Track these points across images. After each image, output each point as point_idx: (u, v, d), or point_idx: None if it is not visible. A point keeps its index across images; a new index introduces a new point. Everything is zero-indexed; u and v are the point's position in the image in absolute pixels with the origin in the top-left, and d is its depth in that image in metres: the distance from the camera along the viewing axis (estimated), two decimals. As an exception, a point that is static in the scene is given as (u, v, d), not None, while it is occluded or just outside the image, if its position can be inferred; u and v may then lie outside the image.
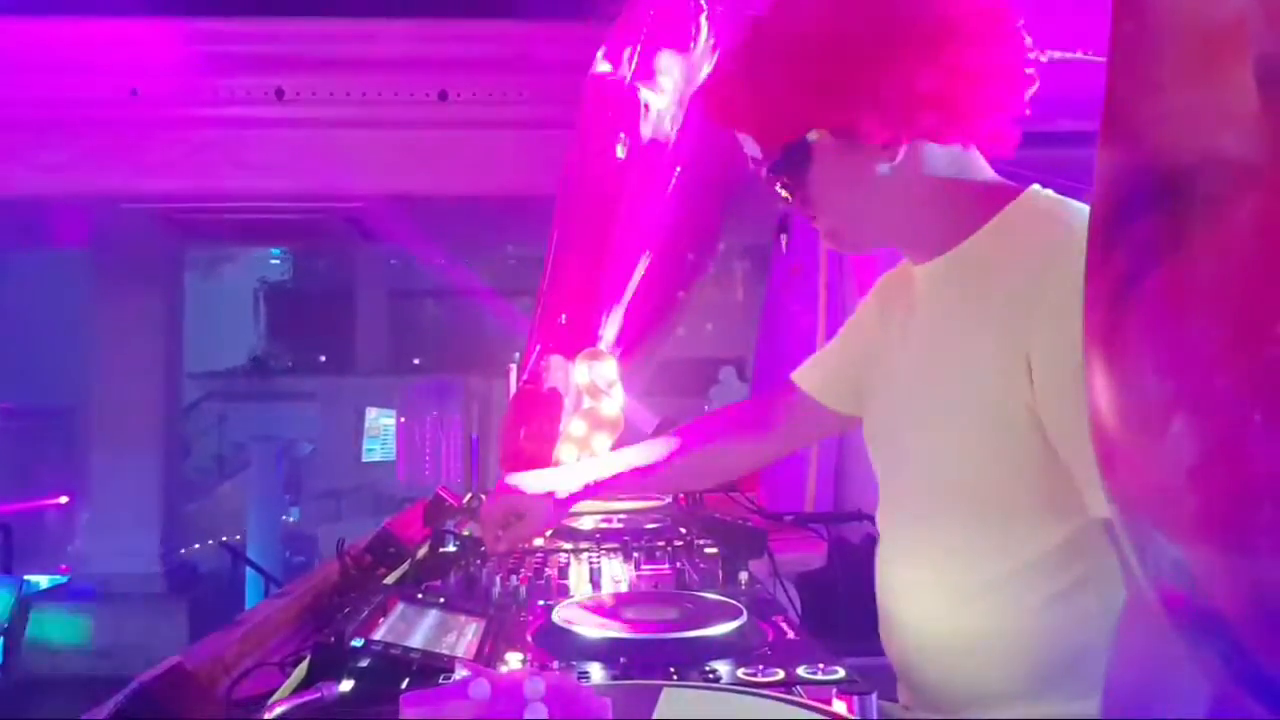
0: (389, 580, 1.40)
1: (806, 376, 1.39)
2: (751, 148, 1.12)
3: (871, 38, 1.01)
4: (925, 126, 1.03)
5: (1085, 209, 0.98)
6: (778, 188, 1.13)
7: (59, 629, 7.16)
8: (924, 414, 1.12)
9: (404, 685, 0.83)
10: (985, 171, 1.12)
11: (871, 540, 1.26)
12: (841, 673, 0.83)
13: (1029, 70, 1.04)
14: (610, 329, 2.80)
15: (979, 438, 1.04)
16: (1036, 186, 1.10)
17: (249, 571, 8.61)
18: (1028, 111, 1.07)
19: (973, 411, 1.04)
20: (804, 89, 1.04)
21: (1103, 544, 1.00)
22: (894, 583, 1.17)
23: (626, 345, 2.80)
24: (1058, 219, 1.04)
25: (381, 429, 10.35)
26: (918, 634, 1.14)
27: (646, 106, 2.70)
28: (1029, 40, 1.04)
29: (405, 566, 1.46)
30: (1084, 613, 1.03)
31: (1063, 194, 1.09)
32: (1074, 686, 1.03)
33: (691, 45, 2.66)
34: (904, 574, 1.16)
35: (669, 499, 2.09)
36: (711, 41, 2.65)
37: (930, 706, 1.14)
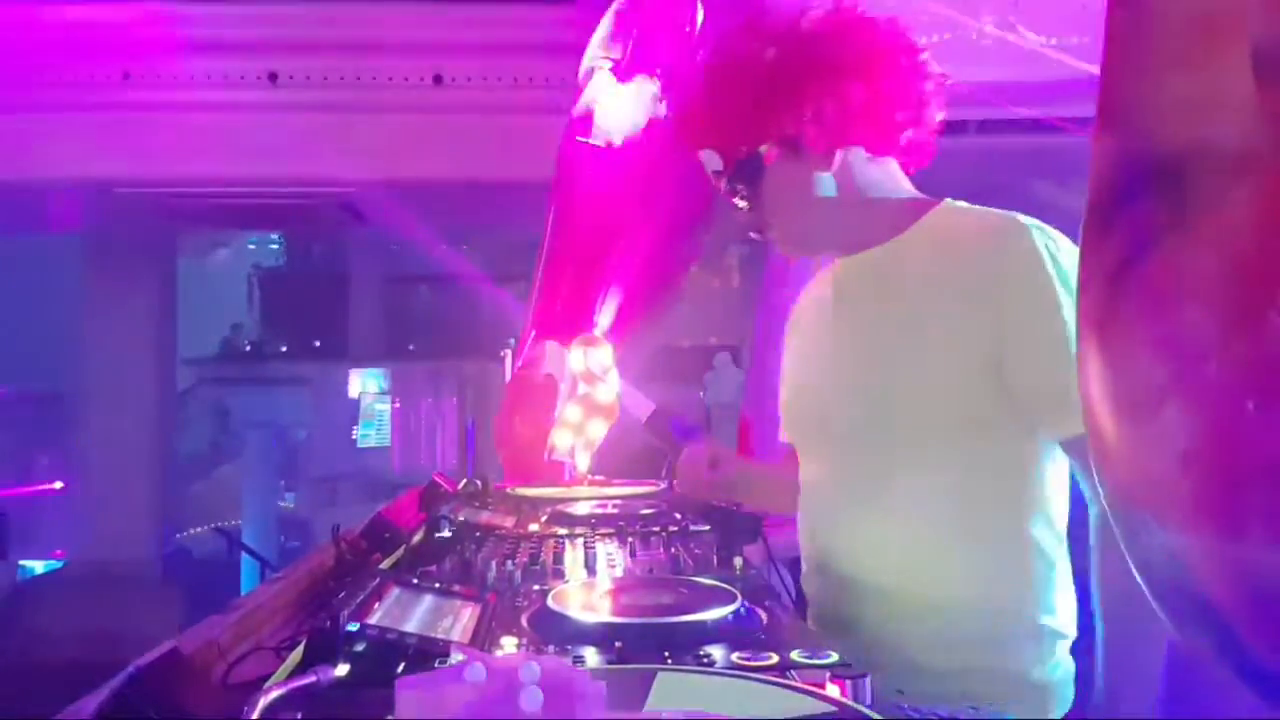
0: (384, 565, 1.41)
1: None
2: (713, 163, 1.29)
3: (810, 65, 1.20)
4: (857, 136, 1.23)
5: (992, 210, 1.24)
6: (735, 200, 1.30)
7: (54, 614, 7.16)
8: (875, 375, 1.24)
9: (399, 669, 0.83)
10: (907, 185, 1.31)
11: None
12: (835, 656, 0.83)
13: (934, 95, 1.25)
14: (606, 315, 2.80)
15: (932, 388, 1.18)
16: (949, 199, 1.28)
17: (244, 557, 8.63)
18: (938, 128, 1.28)
19: (930, 367, 1.18)
20: (754, 109, 1.23)
21: (1016, 488, 1.18)
22: (853, 546, 1.27)
23: (622, 331, 2.80)
24: (986, 212, 1.24)
25: (376, 415, 10.35)
26: (879, 590, 1.23)
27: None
28: (933, 71, 1.25)
29: (400, 552, 1.46)
30: (1027, 571, 1.18)
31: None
32: (1024, 644, 1.17)
33: (687, 28, 2.65)
34: (862, 536, 1.25)
35: (664, 484, 2.09)
36: (706, 25, 2.64)
37: (884, 662, 1.17)
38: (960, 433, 1.17)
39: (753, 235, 1.35)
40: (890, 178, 1.29)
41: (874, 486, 1.24)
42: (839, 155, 1.24)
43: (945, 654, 1.17)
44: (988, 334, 1.14)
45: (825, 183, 1.25)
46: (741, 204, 1.30)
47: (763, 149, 1.24)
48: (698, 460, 1.53)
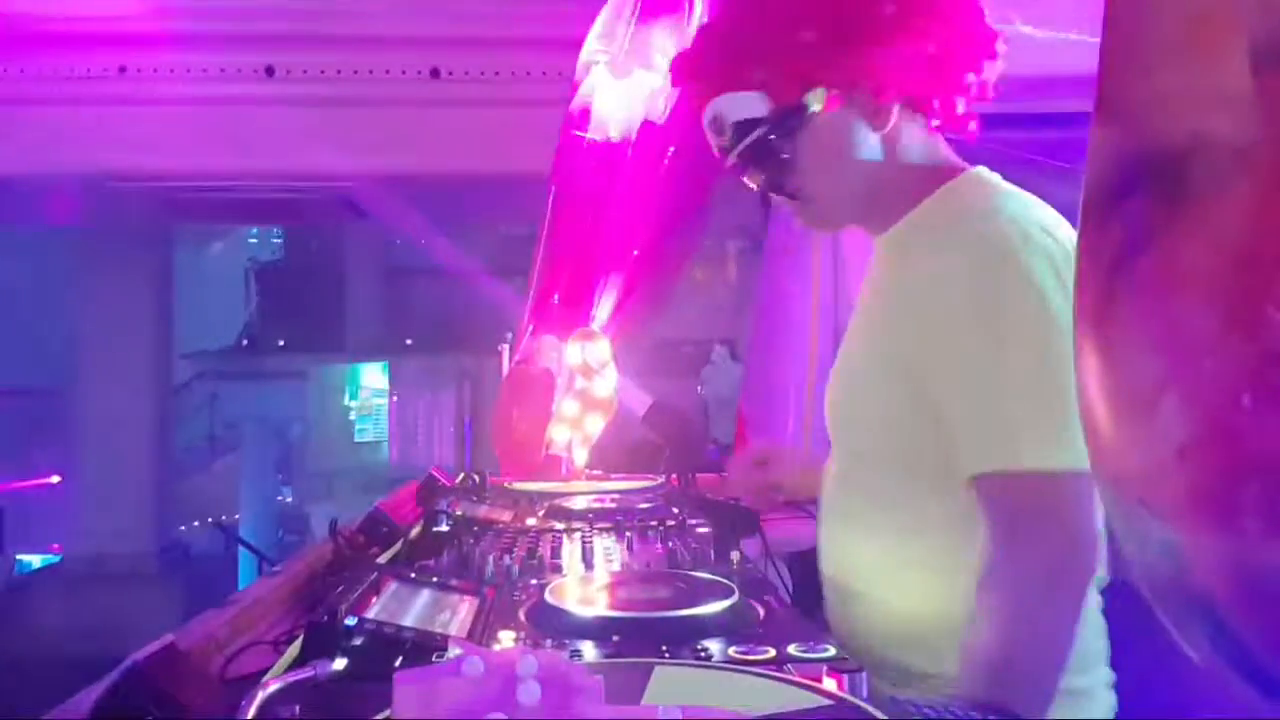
0: (382, 559, 1.41)
1: None
2: (746, 111, 1.08)
3: (874, 4, 1.03)
4: (919, 88, 1.06)
5: (1013, 193, 1.10)
6: (751, 173, 1.12)
7: (51, 608, 7.16)
8: (848, 384, 1.19)
9: (397, 664, 0.83)
10: (942, 153, 1.14)
11: None
12: (832, 650, 0.83)
13: (998, 47, 1.09)
14: (603, 309, 2.80)
15: (889, 400, 1.08)
16: (979, 171, 1.13)
17: (242, 551, 8.63)
18: (990, 92, 1.11)
19: (884, 380, 1.09)
20: (810, 46, 1.04)
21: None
22: (825, 547, 1.20)
23: (619, 326, 2.80)
24: (983, 202, 1.08)
25: (374, 409, 10.34)
26: (840, 599, 1.16)
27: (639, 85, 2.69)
28: (998, 35, 1.09)
29: (398, 546, 1.46)
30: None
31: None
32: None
33: (685, 22, 2.64)
34: (831, 537, 1.19)
35: (661, 479, 2.09)
36: (704, 18, 2.63)
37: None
38: (932, 440, 1.05)
39: (764, 194, 1.16)
40: (932, 143, 1.13)
41: (854, 488, 1.16)
42: (895, 112, 1.07)
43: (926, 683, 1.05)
44: (924, 339, 1.03)
45: (873, 144, 1.09)
46: (760, 174, 1.12)
47: (812, 97, 1.05)
48: (745, 460, 1.45)
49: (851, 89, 1.06)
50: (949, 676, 0.99)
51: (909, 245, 1.12)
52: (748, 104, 1.07)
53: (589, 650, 0.87)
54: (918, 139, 1.11)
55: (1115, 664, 1.08)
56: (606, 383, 2.61)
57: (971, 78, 1.08)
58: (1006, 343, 0.98)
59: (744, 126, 1.08)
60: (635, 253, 2.82)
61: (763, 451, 1.47)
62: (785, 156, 1.08)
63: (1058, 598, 0.93)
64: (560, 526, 1.54)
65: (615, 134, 2.70)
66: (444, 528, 1.45)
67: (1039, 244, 1.00)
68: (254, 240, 13.03)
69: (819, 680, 0.75)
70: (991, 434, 0.97)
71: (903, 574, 1.09)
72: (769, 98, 1.06)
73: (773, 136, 1.07)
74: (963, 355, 1.00)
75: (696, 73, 1.13)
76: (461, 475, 1.97)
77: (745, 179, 1.15)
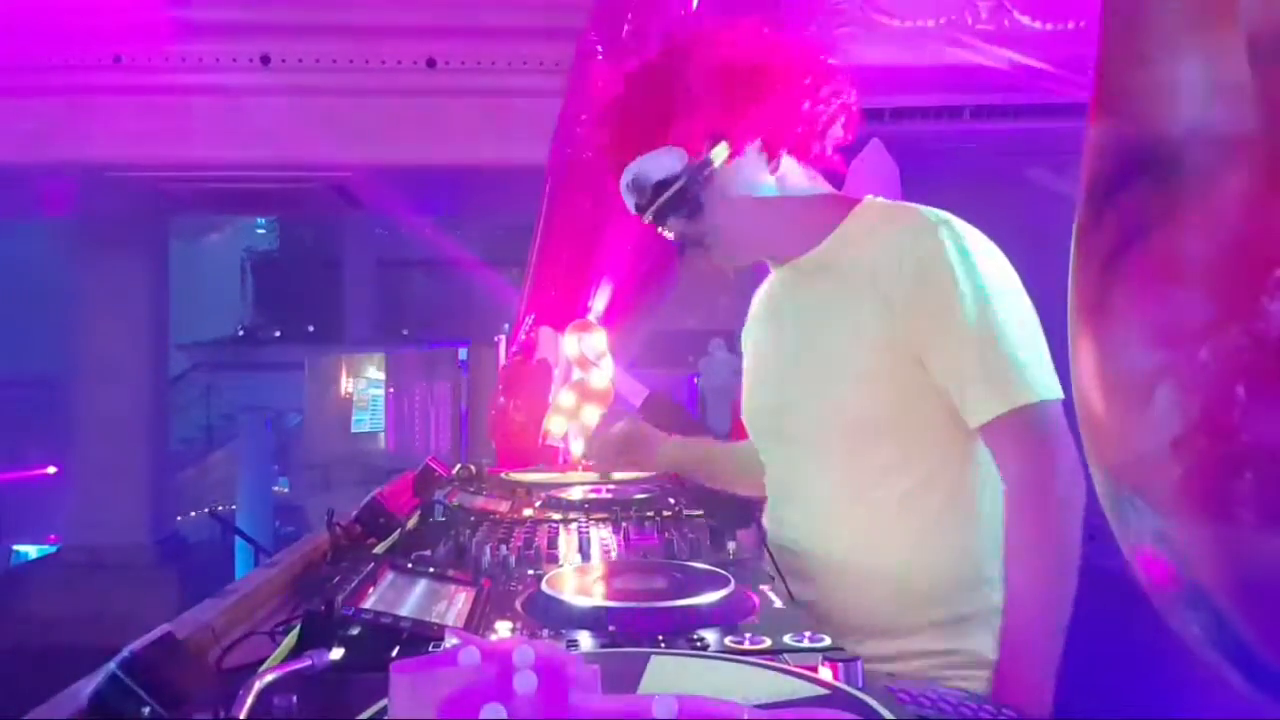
0: (379, 550, 1.41)
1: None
2: (665, 169, 1.31)
3: (759, 72, 1.29)
4: (796, 138, 1.31)
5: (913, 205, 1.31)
6: (668, 223, 1.35)
7: (48, 599, 7.17)
8: (812, 375, 1.33)
9: (394, 653, 0.84)
10: (827, 187, 1.39)
11: None
12: (827, 640, 0.84)
13: (851, 105, 1.35)
14: (600, 301, 2.80)
15: (862, 384, 1.26)
16: (870, 196, 1.38)
17: (239, 541, 8.63)
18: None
19: (858, 364, 1.26)
20: (713, 106, 1.29)
21: (955, 471, 1.25)
22: (812, 537, 1.33)
23: (616, 317, 2.80)
24: (899, 210, 1.32)
25: (370, 399, 10.33)
26: (837, 578, 1.29)
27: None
28: (849, 85, 1.35)
29: (395, 536, 1.46)
30: (977, 549, 1.24)
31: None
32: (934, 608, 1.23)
33: (683, 13, 2.64)
34: (818, 527, 1.32)
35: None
36: (703, 6, 2.62)
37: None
38: (899, 420, 1.25)
39: (679, 243, 1.39)
40: (815, 182, 1.38)
41: (824, 478, 1.31)
42: (782, 157, 1.32)
43: (900, 640, 1.21)
44: (902, 326, 1.22)
45: (769, 185, 1.33)
46: (677, 223, 1.35)
47: (715, 152, 1.31)
48: (608, 445, 1.76)
49: (747, 140, 1.30)
50: (951, 619, 1.22)
51: (837, 254, 1.32)
52: (663, 163, 1.31)
53: (585, 640, 0.87)
54: (803, 176, 1.35)
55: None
56: (603, 374, 2.61)
57: (836, 128, 1.33)
58: (984, 297, 1.18)
59: (662, 184, 1.32)
60: (632, 244, 2.81)
61: (627, 435, 1.74)
62: (699, 203, 1.32)
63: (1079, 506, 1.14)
64: (557, 517, 1.54)
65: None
66: (441, 518, 1.45)
67: (961, 224, 1.25)
68: (250, 231, 13.00)
69: (815, 669, 0.76)
70: (999, 378, 1.16)
71: (906, 534, 1.25)
72: (684, 152, 1.30)
73: (687, 186, 1.31)
74: (948, 319, 1.18)
75: (617, 140, 1.36)
76: (458, 466, 1.97)
77: (662, 230, 1.38)
